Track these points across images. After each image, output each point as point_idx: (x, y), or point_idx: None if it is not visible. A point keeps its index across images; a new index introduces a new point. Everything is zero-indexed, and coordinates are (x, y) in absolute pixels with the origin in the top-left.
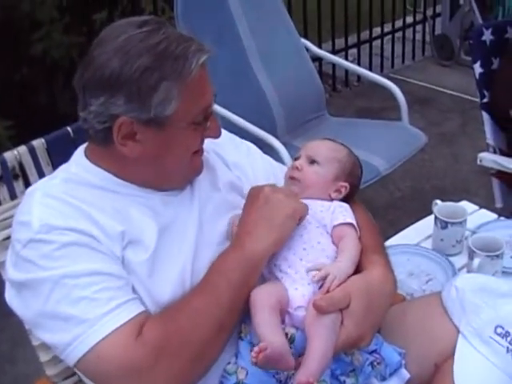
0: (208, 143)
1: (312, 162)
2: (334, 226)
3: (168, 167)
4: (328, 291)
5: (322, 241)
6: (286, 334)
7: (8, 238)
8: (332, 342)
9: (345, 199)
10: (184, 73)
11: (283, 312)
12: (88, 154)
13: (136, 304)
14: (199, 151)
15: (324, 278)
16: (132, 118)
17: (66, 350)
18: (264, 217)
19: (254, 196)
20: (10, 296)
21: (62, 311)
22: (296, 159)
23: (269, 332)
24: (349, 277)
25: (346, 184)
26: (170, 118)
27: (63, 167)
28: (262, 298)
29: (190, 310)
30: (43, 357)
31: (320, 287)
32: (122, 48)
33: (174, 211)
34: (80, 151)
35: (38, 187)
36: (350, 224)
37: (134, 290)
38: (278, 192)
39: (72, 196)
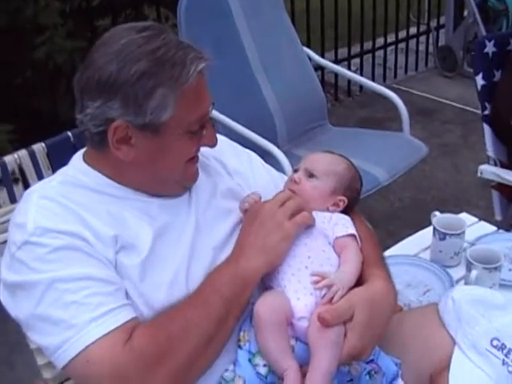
0: (209, 150)
1: (310, 175)
2: (337, 238)
3: (162, 173)
4: (331, 302)
5: (327, 249)
6: None
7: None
8: (336, 355)
9: (344, 210)
10: (181, 80)
11: (287, 322)
12: (86, 158)
13: (126, 311)
14: (194, 158)
15: (327, 287)
16: (127, 122)
17: (56, 353)
18: (259, 237)
19: (254, 214)
20: (3, 297)
21: (52, 314)
22: (295, 171)
23: (282, 359)
24: (350, 288)
25: (344, 198)
26: (165, 125)
27: (61, 170)
28: (269, 314)
29: (181, 321)
30: (40, 360)
31: (322, 297)
32: (121, 52)
33: (170, 216)
34: (78, 155)
35: (36, 189)
36: (352, 235)
37: (127, 295)
38: (276, 212)
39: (68, 198)
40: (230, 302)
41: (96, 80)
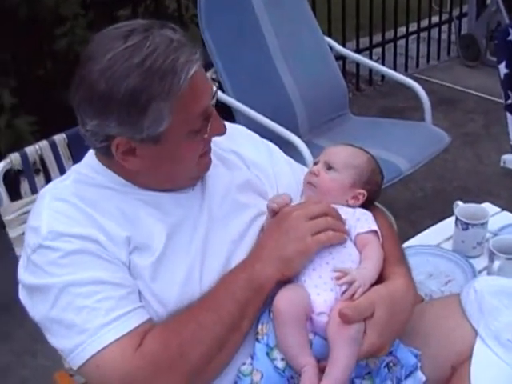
0: (226, 143)
1: (329, 168)
2: (358, 234)
3: (173, 175)
4: (352, 298)
5: (348, 245)
6: None
7: None
8: (355, 352)
9: (365, 204)
10: (173, 90)
11: (306, 318)
12: (98, 157)
13: (138, 314)
14: (206, 153)
15: (349, 284)
16: (127, 138)
17: (69, 356)
18: (278, 245)
19: (281, 218)
20: (22, 296)
21: (65, 318)
22: (315, 164)
23: (300, 355)
24: (372, 285)
25: (364, 191)
26: (165, 134)
27: (74, 168)
28: (288, 309)
29: (193, 325)
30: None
31: (343, 293)
32: (108, 69)
33: (183, 210)
34: (92, 152)
35: (49, 189)
36: (374, 232)
37: (140, 295)
38: (303, 225)
39: (81, 198)
40: (244, 306)
41: (88, 100)
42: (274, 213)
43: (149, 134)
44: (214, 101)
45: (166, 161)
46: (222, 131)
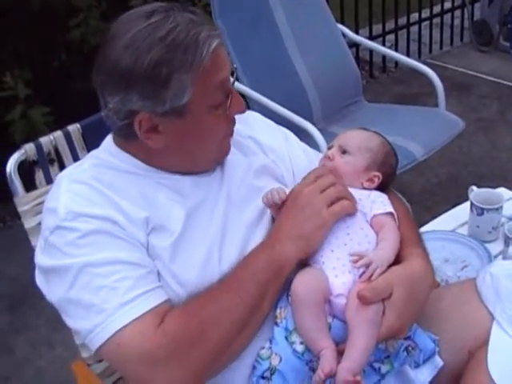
0: (243, 129)
1: (344, 151)
2: (374, 216)
3: (195, 153)
4: (370, 279)
5: (365, 227)
6: None
7: None
8: (374, 334)
9: (381, 188)
10: (195, 62)
11: (325, 301)
12: (116, 143)
13: (157, 294)
14: (228, 135)
15: (366, 266)
16: (149, 112)
17: (88, 337)
18: (296, 224)
19: (294, 197)
20: (39, 280)
21: (83, 298)
22: (329, 149)
23: (319, 339)
24: (389, 266)
25: (379, 174)
26: (187, 106)
27: (93, 153)
28: (307, 293)
29: (213, 307)
30: (77, 339)
31: (360, 275)
32: (131, 45)
33: (202, 193)
34: (110, 138)
35: (67, 173)
36: (390, 213)
37: (159, 275)
38: (315, 199)
39: (99, 181)
40: (264, 287)
41: (111, 76)
42: (270, 206)
43: (171, 106)
44: (233, 79)
45: (188, 136)
46: (241, 108)
